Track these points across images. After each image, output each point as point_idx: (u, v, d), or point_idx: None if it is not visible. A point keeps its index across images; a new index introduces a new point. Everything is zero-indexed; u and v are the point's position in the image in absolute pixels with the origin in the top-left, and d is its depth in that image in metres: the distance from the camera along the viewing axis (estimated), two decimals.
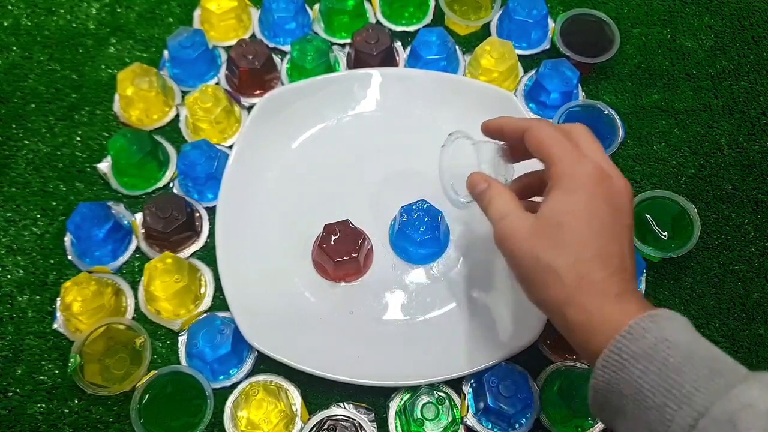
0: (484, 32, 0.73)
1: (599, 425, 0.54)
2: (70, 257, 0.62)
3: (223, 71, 0.70)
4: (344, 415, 0.55)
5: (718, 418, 0.33)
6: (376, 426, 0.55)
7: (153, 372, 0.55)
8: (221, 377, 0.56)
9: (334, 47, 0.71)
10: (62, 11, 0.74)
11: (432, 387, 0.55)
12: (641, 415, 0.36)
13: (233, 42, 0.71)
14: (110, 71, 0.71)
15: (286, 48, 0.71)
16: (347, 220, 0.59)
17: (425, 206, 0.59)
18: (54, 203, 0.64)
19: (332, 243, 0.58)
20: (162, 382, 0.55)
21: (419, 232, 0.58)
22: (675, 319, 0.38)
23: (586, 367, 0.56)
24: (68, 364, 0.56)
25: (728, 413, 0.33)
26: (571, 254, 0.40)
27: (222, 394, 0.56)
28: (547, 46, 0.72)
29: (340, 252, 0.58)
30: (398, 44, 0.71)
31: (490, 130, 0.50)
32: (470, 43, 0.72)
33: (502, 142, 0.50)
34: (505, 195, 0.45)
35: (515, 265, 0.43)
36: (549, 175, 0.43)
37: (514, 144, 0.50)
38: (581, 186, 0.41)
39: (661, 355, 0.36)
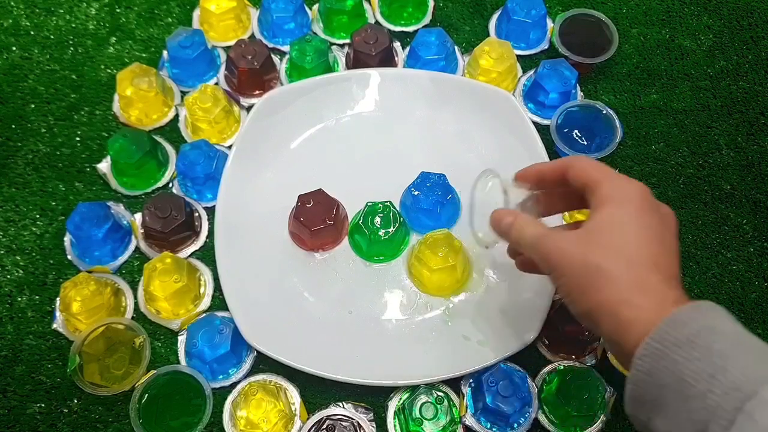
0: (483, 32, 0.73)
1: (597, 425, 0.54)
2: (69, 257, 0.62)
3: (222, 71, 0.70)
4: (343, 415, 0.55)
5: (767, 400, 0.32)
6: (375, 425, 0.55)
7: (152, 372, 0.55)
8: (220, 377, 0.56)
9: (333, 47, 0.71)
10: (61, 11, 0.74)
11: (431, 386, 0.55)
12: (682, 406, 0.34)
13: (232, 42, 0.71)
14: (110, 71, 0.71)
15: (285, 48, 0.71)
16: (320, 189, 0.60)
17: (442, 180, 0.60)
18: (53, 203, 0.64)
19: (307, 213, 0.59)
20: (161, 381, 0.55)
21: (427, 200, 0.60)
22: (719, 310, 0.37)
23: (585, 366, 0.56)
24: (67, 364, 0.56)
25: None
26: (622, 257, 0.39)
27: (221, 394, 0.56)
28: (546, 47, 0.72)
29: (316, 220, 0.58)
30: (397, 44, 0.71)
31: (528, 178, 0.49)
32: (469, 43, 0.72)
33: (536, 191, 0.50)
34: (536, 222, 0.46)
35: (562, 275, 0.42)
36: (596, 197, 0.43)
37: (550, 190, 0.49)
38: (631, 200, 0.41)
39: (705, 341, 0.34)
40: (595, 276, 0.39)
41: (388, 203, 0.60)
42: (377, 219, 0.59)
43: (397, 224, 0.59)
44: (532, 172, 0.48)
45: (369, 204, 0.60)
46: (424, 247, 0.58)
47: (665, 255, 0.40)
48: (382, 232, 0.59)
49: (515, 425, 0.54)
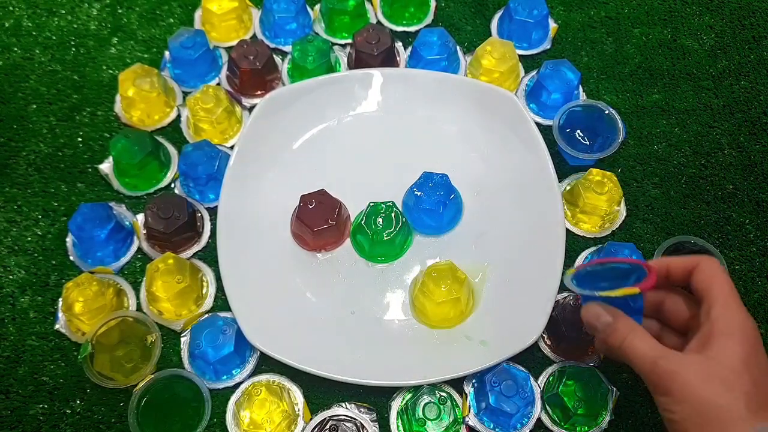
0: (484, 32, 0.73)
1: (600, 425, 0.54)
2: (71, 258, 0.62)
3: (224, 72, 0.70)
4: (346, 415, 0.55)
5: None
6: (378, 426, 0.55)
7: (149, 376, 0.55)
8: (224, 377, 0.56)
9: (335, 47, 0.71)
10: (63, 12, 0.74)
11: (433, 387, 0.55)
12: None
13: (234, 42, 0.71)
14: (111, 72, 0.71)
15: (287, 48, 0.71)
16: (323, 189, 0.60)
17: (444, 180, 0.60)
18: (56, 204, 0.64)
19: (310, 213, 0.59)
20: (159, 386, 0.55)
21: (429, 200, 0.59)
22: None
23: (588, 366, 0.56)
24: (79, 351, 0.56)
25: None
26: (742, 399, 0.40)
27: (225, 394, 0.56)
28: (548, 46, 0.72)
29: (319, 221, 0.58)
30: (399, 44, 0.71)
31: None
32: (471, 43, 0.72)
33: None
34: (645, 333, 0.45)
35: (677, 404, 0.42)
36: (717, 323, 0.43)
37: (670, 284, 0.48)
38: (748, 338, 0.42)
39: None
40: (715, 415, 0.40)
41: (391, 203, 0.60)
42: (379, 219, 0.59)
43: (400, 225, 0.59)
44: (661, 263, 0.48)
45: (371, 204, 0.60)
46: (428, 280, 0.56)
47: None
48: (384, 233, 0.59)
49: (518, 425, 0.54)
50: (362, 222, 0.60)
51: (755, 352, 0.42)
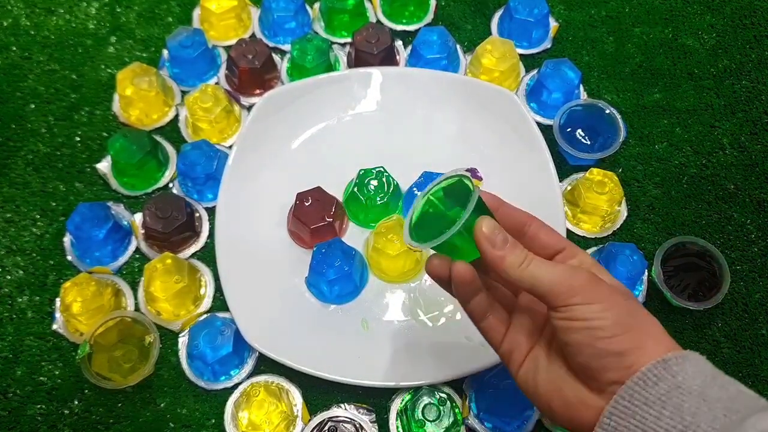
0: (485, 31, 0.73)
1: None
2: (69, 258, 0.61)
3: (222, 71, 0.70)
4: (345, 416, 0.54)
5: None
6: (377, 427, 0.55)
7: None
8: (222, 378, 0.56)
9: (335, 46, 0.71)
10: (61, 11, 0.74)
11: (433, 388, 0.55)
12: None
13: (233, 41, 0.71)
14: (110, 71, 0.71)
15: (286, 47, 0.71)
16: (318, 186, 0.60)
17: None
18: (53, 203, 0.64)
19: (306, 210, 0.59)
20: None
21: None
22: (687, 362, 0.36)
23: None
24: (77, 351, 0.56)
25: None
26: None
27: (223, 395, 0.56)
28: (549, 45, 0.72)
29: (315, 218, 0.59)
30: (399, 43, 0.71)
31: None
32: (471, 42, 0.72)
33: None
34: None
35: (608, 309, 0.38)
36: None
37: None
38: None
39: (674, 401, 0.35)
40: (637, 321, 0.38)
41: (381, 168, 0.61)
42: (372, 183, 0.60)
43: (392, 188, 0.61)
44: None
45: (362, 171, 0.61)
46: (379, 237, 0.58)
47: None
48: (377, 197, 0.60)
49: (518, 427, 0.54)
50: (354, 189, 0.60)
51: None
